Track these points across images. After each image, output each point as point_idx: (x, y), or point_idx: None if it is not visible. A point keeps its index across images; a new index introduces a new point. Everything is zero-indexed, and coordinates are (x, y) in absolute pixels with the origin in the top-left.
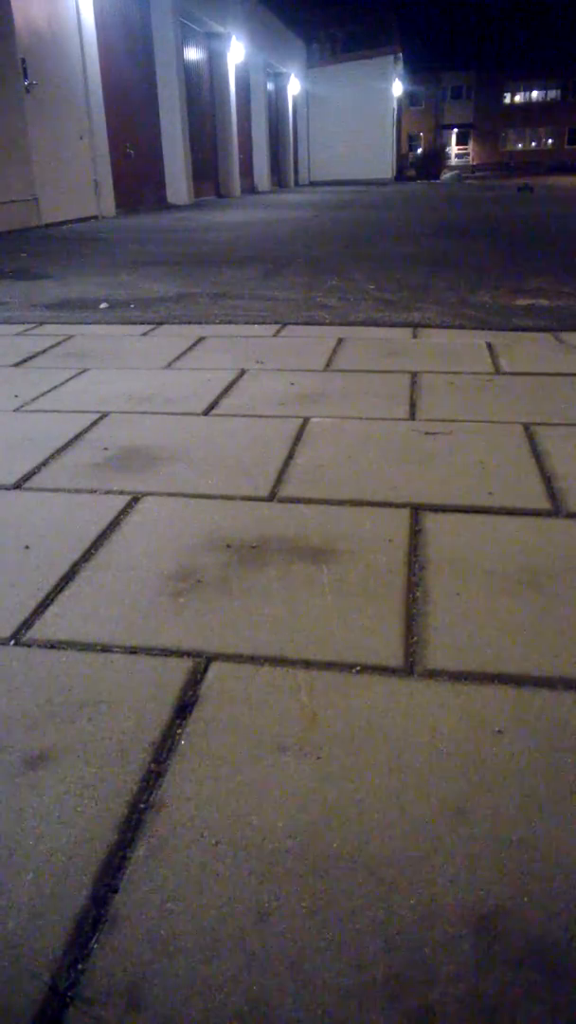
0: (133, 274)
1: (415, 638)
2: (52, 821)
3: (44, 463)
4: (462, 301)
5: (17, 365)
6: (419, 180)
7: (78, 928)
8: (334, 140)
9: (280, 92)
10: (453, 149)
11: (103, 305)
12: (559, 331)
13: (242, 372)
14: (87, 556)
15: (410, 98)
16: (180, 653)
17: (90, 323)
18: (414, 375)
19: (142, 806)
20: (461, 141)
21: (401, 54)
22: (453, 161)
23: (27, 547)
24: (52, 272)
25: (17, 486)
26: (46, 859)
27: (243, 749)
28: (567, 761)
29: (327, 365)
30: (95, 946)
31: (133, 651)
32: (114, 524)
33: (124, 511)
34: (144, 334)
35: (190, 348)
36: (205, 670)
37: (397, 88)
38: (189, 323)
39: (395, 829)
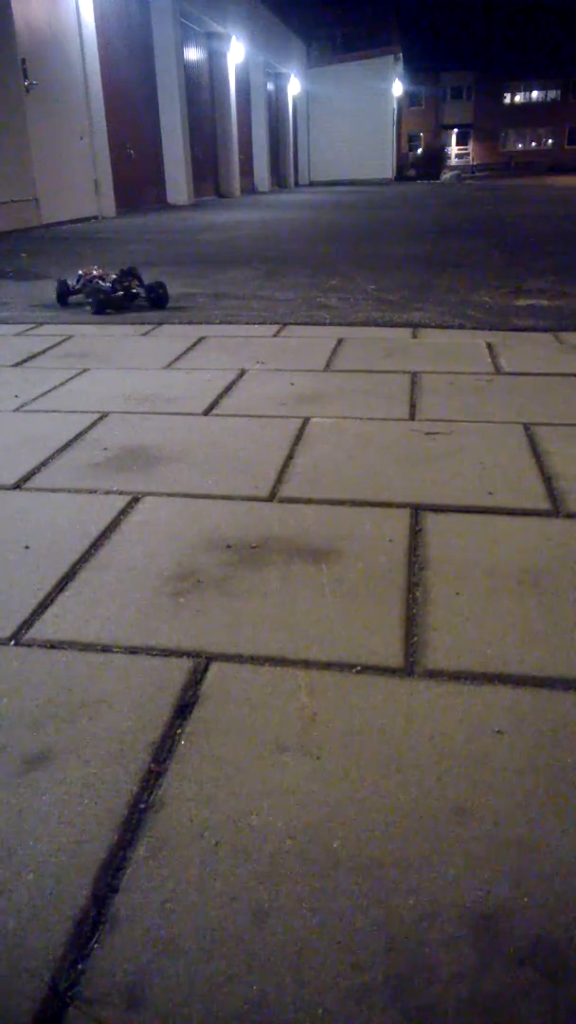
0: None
1: (415, 638)
2: (52, 821)
3: (44, 463)
4: (462, 301)
5: (17, 365)
6: (419, 180)
7: (78, 928)
8: (334, 140)
9: (280, 92)
10: (453, 149)
11: None
12: (559, 331)
13: (242, 372)
14: (87, 556)
15: (410, 98)
16: (180, 653)
17: (90, 323)
18: (414, 375)
19: (142, 806)
20: (461, 141)
21: (401, 54)
22: (453, 161)
23: (27, 547)
24: (52, 272)
25: (17, 486)
26: (46, 859)
27: (243, 749)
28: (567, 761)
29: (327, 365)
30: (95, 946)
31: (133, 651)
32: (114, 524)
33: (124, 511)
34: (144, 334)
35: (190, 348)
36: (205, 670)
37: (397, 88)
38: (189, 323)
39: (395, 829)
